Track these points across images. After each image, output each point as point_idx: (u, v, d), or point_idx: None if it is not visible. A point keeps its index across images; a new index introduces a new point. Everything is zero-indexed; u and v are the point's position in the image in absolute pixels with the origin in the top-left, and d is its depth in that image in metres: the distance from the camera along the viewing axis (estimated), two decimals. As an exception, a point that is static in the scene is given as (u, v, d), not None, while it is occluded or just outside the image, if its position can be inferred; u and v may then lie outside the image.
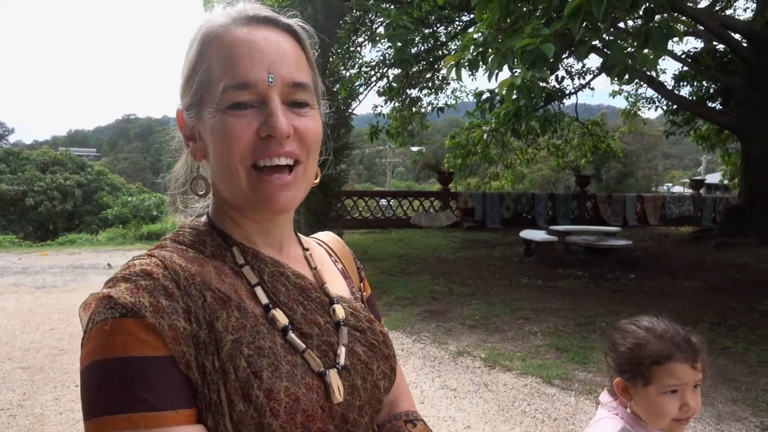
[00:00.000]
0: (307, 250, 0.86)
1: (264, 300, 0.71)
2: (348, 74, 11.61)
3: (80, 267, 10.74)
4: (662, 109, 14.92)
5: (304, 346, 0.70)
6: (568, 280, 8.47)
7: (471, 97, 11.03)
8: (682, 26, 9.75)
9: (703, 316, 6.24)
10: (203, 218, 0.80)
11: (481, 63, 4.73)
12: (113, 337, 0.60)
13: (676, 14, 7.35)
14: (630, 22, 6.64)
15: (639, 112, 16.82)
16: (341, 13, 8.55)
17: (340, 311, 0.78)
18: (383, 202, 17.24)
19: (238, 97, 0.67)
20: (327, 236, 1.00)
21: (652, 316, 1.38)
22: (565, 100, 13.25)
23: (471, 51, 4.95)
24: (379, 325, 0.85)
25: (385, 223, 15.62)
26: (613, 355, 1.36)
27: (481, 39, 4.74)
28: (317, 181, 0.82)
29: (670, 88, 13.30)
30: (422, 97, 14.26)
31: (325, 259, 0.91)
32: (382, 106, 13.42)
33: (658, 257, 10.94)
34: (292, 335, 0.70)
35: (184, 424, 0.61)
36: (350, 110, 10.74)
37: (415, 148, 20.85)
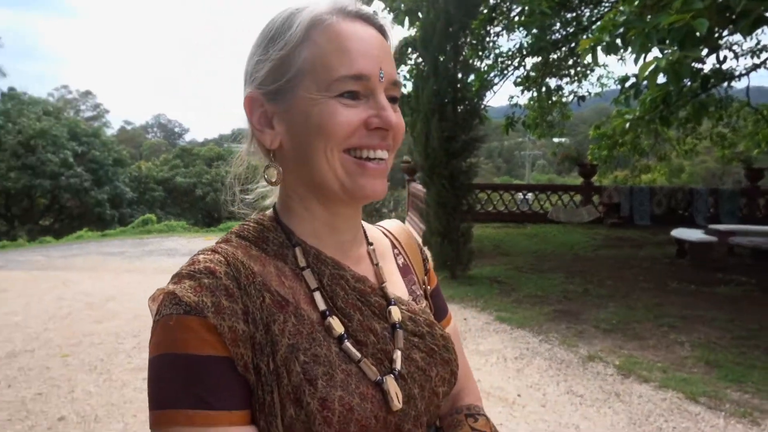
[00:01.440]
0: (371, 244, 0.85)
1: (322, 306, 0.71)
2: (483, 65, 11.36)
3: (235, 251, 11.99)
4: None
5: (359, 355, 0.69)
6: (728, 287, 7.47)
7: (618, 84, 10.15)
8: None
9: None
10: (269, 211, 0.80)
11: (620, 45, 4.33)
12: (176, 333, 0.62)
13: None
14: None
15: (834, 93, 14.19)
16: (474, 3, 8.38)
17: (396, 313, 0.76)
18: (519, 195, 16.65)
19: (352, 87, 0.69)
20: (393, 225, 0.97)
21: None
22: (733, 83, 11.59)
23: (611, 32, 4.55)
24: (439, 328, 0.81)
25: (520, 217, 15.08)
26: None
27: (621, 19, 4.32)
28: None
29: None
30: (563, 85, 13.47)
31: (387, 253, 0.89)
32: (518, 97, 12.94)
33: None
34: (347, 344, 0.69)
35: (238, 425, 0.62)
36: (484, 102, 10.51)
37: (556, 140, 19.74)
